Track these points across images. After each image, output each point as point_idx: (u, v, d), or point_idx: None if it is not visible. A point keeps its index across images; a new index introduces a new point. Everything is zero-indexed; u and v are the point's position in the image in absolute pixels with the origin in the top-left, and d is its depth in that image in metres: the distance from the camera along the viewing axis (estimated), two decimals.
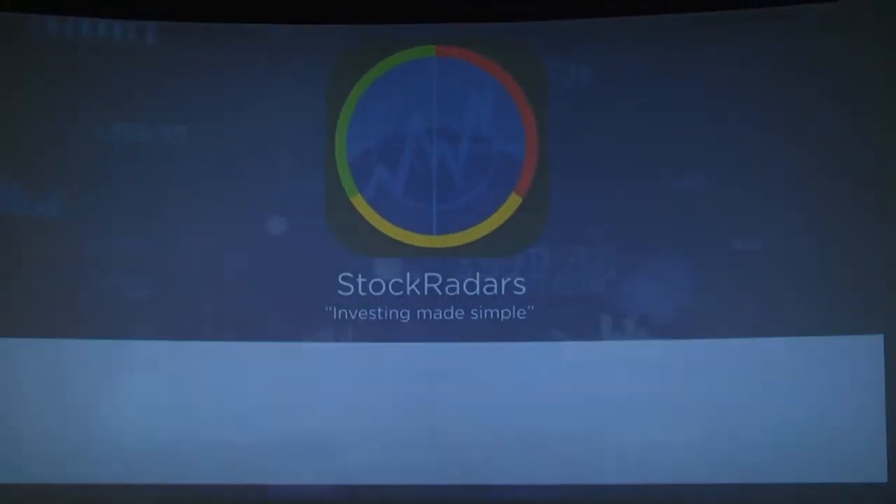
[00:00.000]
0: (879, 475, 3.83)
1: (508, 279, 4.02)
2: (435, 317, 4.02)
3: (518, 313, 4.00)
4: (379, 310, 4.02)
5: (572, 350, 3.98)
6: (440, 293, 4.02)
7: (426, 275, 4.04)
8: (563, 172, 4.07)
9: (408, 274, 4.05)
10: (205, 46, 4.14)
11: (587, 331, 3.98)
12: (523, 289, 4.01)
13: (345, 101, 4.15)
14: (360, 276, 4.04)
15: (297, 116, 4.12)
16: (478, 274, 4.04)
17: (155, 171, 4.07)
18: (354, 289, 4.03)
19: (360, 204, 4.10)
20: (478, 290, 4.03)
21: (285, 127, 4.12)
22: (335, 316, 4.01)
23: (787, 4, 4.00)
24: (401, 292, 4.03)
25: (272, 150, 4.11)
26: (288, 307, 4.02)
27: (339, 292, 4.03)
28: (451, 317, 4.01)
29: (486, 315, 4.01)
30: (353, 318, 4.01)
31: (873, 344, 3.86)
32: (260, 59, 4.14)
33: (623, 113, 4.07)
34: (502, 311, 4.01)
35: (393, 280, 4.04)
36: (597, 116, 4.08)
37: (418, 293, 4.03)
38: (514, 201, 4.07)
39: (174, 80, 4.11)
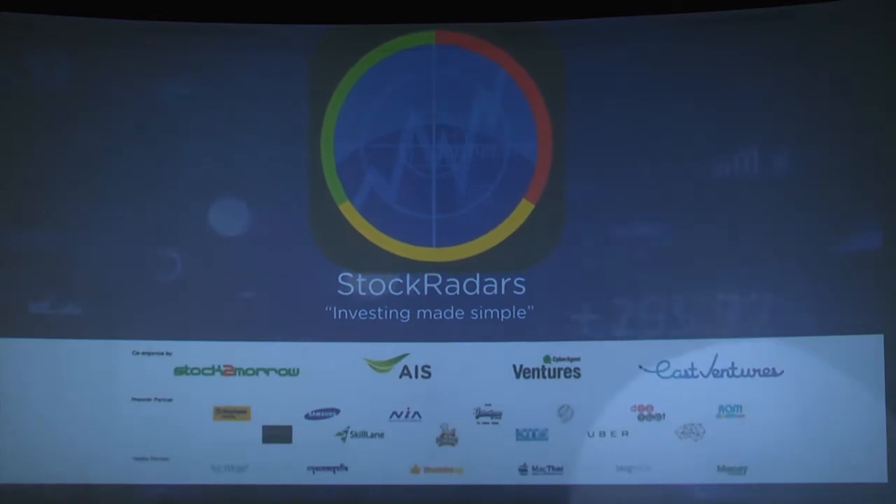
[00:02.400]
0: (879, 475, 3.83)
1: (508, 279, 3.99)
2: (435, 317, 3.99)
3: (518, 313, 3.98)
4: (379, 310, 3.99)
5: (578, 349, 3.97)
6: (440, 293, 3.99)
7: (426, 275, 4.00)
8: (579, 175, 3.97)
9: (407, 275, 4.01)
10: (181, 45, 4.03)
11: (593, 332, 3.97)
12: (523, 288, 3.98)
13: (331, 97, 3.99)
14: (359, 276, 4.01)
15: (278, 115, 4.00)
16: (478, 275, 4.01)
17: (143, 180, 4.00)
18: (354, 289, 4.01)
19: (350, 212, 4.01)
20: (478, 290, 3.99)
21: (265, 126, 4.00)
22: (335, 316, 3.99)
23: (795, 4, 3.98)
24: (401, 292, 4.00)
25: (250, 152, 3.99)
26: (288, 307, 3.99)
27: (339, 292, 4.00)
28: (451, 317, 3.99)
29: (485, 315, 3.99)
30: (353, 317, 3.99)
31: (873, 344, 3.86)
32: (236, 57, 4.01)
33: (645, 109, 3.97)
34: (502, 311, 3.99)
35: (393, 280, 4.01)
36: (618, 111, 3.97)
37: (418, 293, 4.00)
38: (525, 208, 4.01)
39: (153, 83, 4.01)
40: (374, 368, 3.98)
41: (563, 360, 3.96)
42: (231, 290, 3.98)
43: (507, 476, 3.94)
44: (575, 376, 3.95)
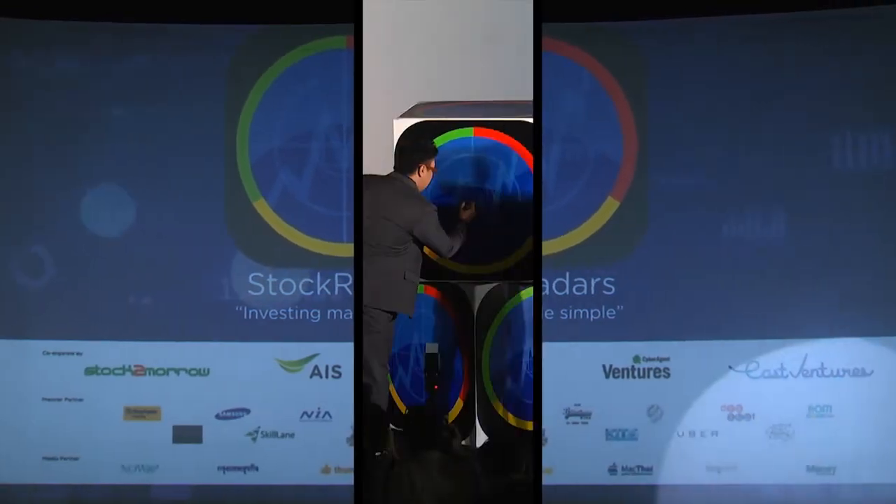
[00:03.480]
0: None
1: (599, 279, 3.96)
2: (345, 316, 3.96)
3: (608, 313, 3.96)
4: (290, 309, 3.98)
5: (667, 349, 3.94)
6: (349, 293, 3.96)
7: (336, 275, 3.99)
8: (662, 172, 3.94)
9: (318, 274, 4.00)
10: (100, 44, 4.02)
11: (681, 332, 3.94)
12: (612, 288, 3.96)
13: (246, 97, 3.99)
14: (270, 275, 4.00)
15: (196, 115, 4.00)
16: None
17: (54, 178, 4.00)
18: (265, 288, 4.00)
19: (264, 209, 4.00)
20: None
21: (183, 125, 4.00)
22: (245, 316, 3.98)
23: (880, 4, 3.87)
24: (311, 292, 4.00)
25: (168, 150, 4.00)
26: (196, 307, 3.99)
27: (250, 292, 3.99)
28: None
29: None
30: (264, 317, 3.98)
31: None
32: (156, 57, 4.01)
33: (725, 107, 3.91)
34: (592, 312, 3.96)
35: (303, 280, 4.00)
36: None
37: (328, 293, 3.99)
38: (610, 205, 3.97)
39: (69, 81, 4.00)
40: (285, 368, 3.98)
41: (652, 360, 3.92)
42: (142, 289, 3.98)
43: (597, 476, 3.92)
44: (664, 376, 3.93)
